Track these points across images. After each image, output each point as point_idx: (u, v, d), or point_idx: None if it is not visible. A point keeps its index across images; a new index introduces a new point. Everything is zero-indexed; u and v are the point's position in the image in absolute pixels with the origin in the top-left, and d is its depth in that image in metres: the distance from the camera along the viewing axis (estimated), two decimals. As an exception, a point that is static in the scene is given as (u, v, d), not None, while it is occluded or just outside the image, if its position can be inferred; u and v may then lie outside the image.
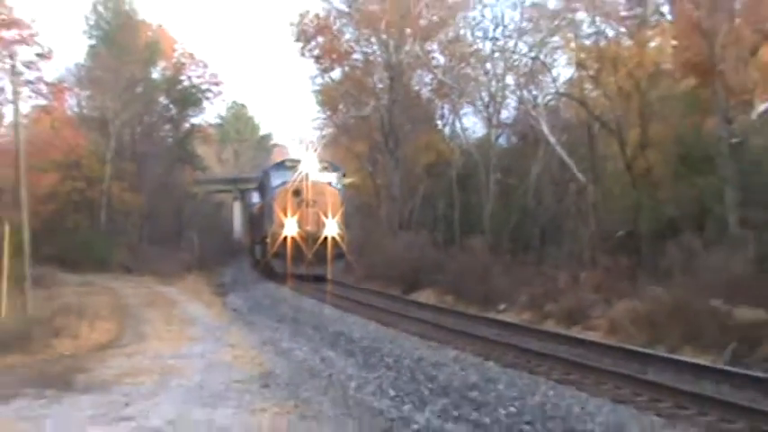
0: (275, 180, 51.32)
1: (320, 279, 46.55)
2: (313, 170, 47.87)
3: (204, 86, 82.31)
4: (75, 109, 75.66)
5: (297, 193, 46.91)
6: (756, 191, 32.73)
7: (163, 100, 79.61)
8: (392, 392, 16.22)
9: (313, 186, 47.32)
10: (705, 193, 35.08)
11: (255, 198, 72.27)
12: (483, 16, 63.34)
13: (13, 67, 47.43)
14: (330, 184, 49.21)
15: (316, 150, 50.63)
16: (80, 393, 17.84)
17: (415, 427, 13.51)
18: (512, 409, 13.87)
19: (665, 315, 26.24)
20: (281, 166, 54.26)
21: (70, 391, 18.12)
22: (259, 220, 59.50)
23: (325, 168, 49.96)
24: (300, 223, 46.40)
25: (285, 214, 46.71)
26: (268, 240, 48.12)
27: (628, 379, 17.09)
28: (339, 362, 20.45)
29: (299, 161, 49.52)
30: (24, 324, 29.07)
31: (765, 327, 22.99)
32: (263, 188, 59.42)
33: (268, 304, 37.36)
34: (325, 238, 46.62)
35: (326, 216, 46.86)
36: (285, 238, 46.35)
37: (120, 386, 18.65)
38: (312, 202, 46.91)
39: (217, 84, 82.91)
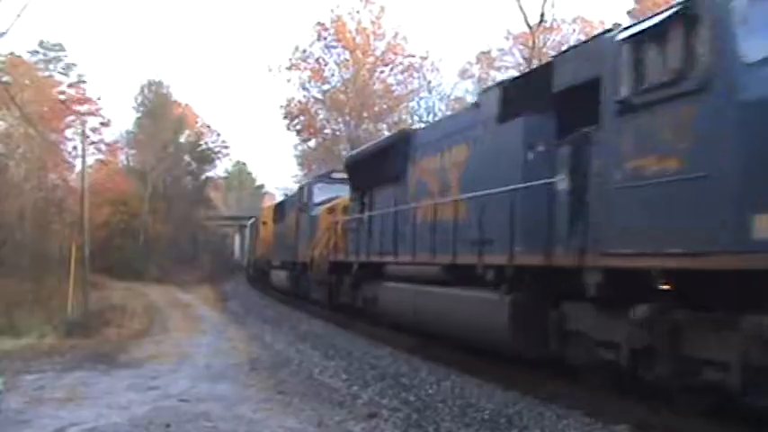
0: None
1: None
2: None
3: (216, 149, 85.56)
4: (125, 162, 77.36)
5: None
6: None
7: (186, 158, 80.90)
8: (344, 376, 16.25)
9: None
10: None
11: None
12: (419, 105, 63.21)
13: (83, 131, 47.83)
14: None
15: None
16: (122, 368, 17.84)
17: (360, 401, 13.55)
18: (430, 390, 13.90)
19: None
20: None
21: (115, 367, 18.12)
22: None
23: None
24: None
25: None
26: None
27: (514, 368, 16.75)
28: (308, 352, 20.44)
29: None
30: (84, 316, 29.30)
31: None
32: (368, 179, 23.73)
33: (256, 309, 37.14)
34: None
35: None
36: None
37: (150, 364, 18.65)
38: None
39: (226, 147, 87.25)
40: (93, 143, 63.35)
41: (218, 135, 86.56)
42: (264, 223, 48.67)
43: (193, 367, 18.09)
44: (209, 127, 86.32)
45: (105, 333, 27.05)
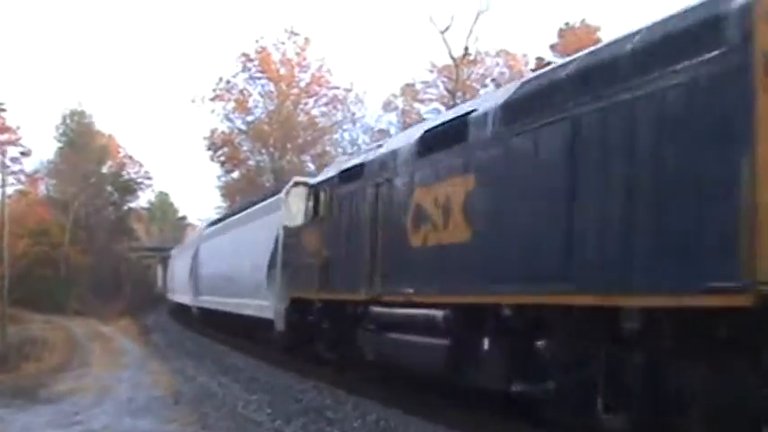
0: None
1: None
2: None
3: (139, 180, 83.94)
4: (45, 192, 76.13)
5: None
6: None
7: (109, 188, 79.76)
8: (268, 410, 16.22)
9: None
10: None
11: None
12: (343, 137, 63.55)
13: (2, 161, 47.08)
14: None
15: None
16: (42, 404, 17.63)
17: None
18: (355, 424, 13.95)
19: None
20: None
21: (34, 402, 17.90)
22: None
23: None
24: None
25: None
26: None
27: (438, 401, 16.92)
28: (230, 386, 20.35)
29: None
30: (2, 350, 28.69)
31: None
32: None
33: (178, 342, 36.79)
34: None
35: None
36: None
37: (71, 399, 18.44)
38: None
39: (148, 178, 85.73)
40: (12, 173, 62.39)
41: (141, 166, 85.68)
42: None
43: (115, 401, 17.91)
44: (131, 158, 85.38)
45: (24, 367, 26.69)
